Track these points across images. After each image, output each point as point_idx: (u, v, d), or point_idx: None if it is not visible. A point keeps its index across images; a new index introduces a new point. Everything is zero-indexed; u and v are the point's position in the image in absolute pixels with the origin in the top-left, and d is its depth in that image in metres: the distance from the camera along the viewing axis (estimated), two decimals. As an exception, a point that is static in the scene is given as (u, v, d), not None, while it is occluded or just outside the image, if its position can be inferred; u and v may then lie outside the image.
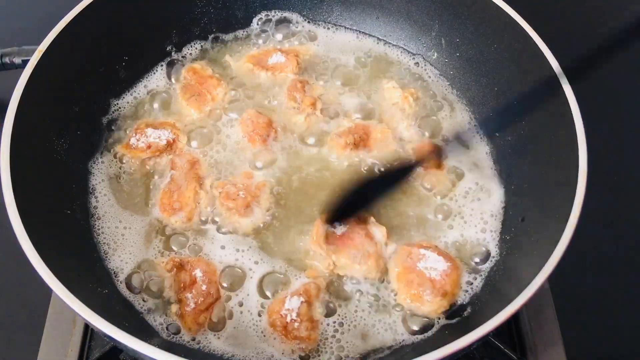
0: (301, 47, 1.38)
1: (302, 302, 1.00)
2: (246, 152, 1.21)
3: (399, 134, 1.25)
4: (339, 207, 1.06)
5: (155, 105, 1.29)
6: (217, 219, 1.13)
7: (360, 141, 1.21)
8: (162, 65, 1.34)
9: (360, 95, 1.31)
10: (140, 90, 1.30)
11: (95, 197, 1.15)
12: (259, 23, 1.43)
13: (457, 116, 1.30)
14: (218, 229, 1.12)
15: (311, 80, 1.32)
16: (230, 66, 1.34)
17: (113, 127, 1.24)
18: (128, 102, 1.28)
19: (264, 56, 1.34)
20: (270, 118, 1.24)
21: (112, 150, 1.21)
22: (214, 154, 1.21)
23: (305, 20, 1.44)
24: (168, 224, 1.12)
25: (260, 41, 1.41)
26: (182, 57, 1.37)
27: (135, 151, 1.20)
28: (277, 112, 1.27)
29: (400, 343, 1.02)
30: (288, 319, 0.99)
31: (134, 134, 1.21)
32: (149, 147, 1.19)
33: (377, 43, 1.42)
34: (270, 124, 1.23)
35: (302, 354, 0.99)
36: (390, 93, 1.29)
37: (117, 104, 1.27)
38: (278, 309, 1.01)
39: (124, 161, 1.20)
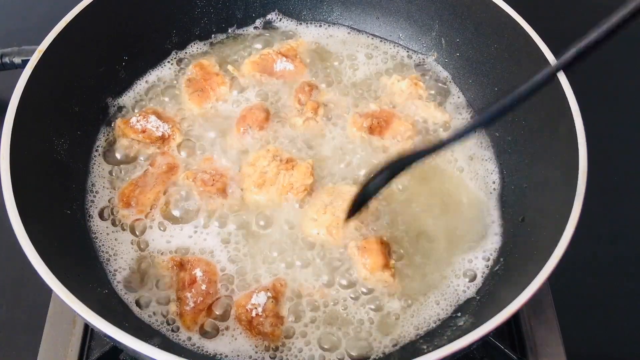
0: (297, 43, 1.38)
1: (268, 297, 1.01)
2: (228, 140, 1.23)
3: (430, 119, 1.27)
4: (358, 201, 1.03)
5: (157, 103, 1.29)
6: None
7: (377, 127, 1.22)
8: (162, 65, 1.34)
9: (369, 98, 1.31)
10: (140, 89, 1.30)
11: (96, 192, 1.16)
12: (259, 23, 1.43)
13: (457, 116, 1.30)
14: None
15: (321, 84, 1.32)
16: (236, 76, 1.33)
17: (113, 126, 1.24)
18: (128, 101, 1.28)
19: (267, 62, 1.33)
20: (269, 114, 1.25)
21: (108, 141, 1.23)
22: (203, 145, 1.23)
23: (305, 20, 1.44)
24: (118, 213, 1.13)
25: (260, 42, 1.41)
26: (182, 57, 1.37)
27: (130, 130, 1.20)
28: (279, 110, 1.28)
29: (401, 343, 1.02)
30: (253, 314, 1.00)
31: (137, 115, 1.22)
32: (143, 131, 1.20)
33: (375, 40, 1.42)
34: (267, 119, 1.23)
35: (266, 350, 0.99)
36: (396, 87, 1.30)
37: (117, 103, 1.27)
38: (244, 303, 1.01)
39: (116, 138, 1.22)
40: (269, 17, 1.43)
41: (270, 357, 0.99)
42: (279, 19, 1.43)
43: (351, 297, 1.05)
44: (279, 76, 1.32)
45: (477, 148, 1.25)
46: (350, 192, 1.13)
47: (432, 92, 1.33)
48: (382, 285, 1.06)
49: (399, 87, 1.29)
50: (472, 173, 1.21)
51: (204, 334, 1.01)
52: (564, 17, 1.74)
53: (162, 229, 1.12)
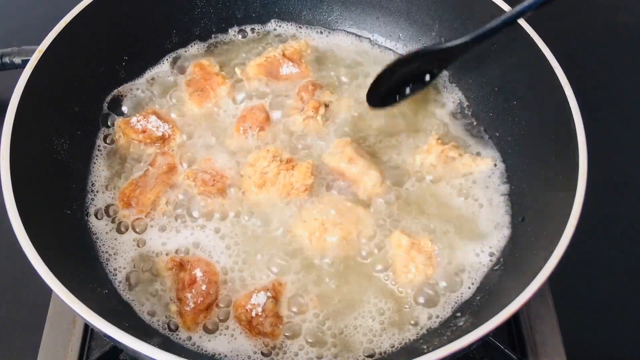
0: (300, 45, 1.37)
1: (268, 297, 1.01)
2: (227, 140, 1.23)
3: (475, 172, 1.21)
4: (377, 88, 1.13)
5: (157, 103, 1.29)
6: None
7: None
8: (162, 65, 1.34)
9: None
10: (140, 89, 1.30)
11: (96, 192, 1.15)
12: (259, 23, 1.43)
13: (457, 116, 1.30)
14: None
15: (325, 84, 1.31)
16: (243, 79, 1.32)
17: (113, 126, 1.24)
18: (128, 101, 1.28)
19: (272, 65, 1.32)
20: (270, 115, 1.25)
21: (111, 141, 1.23)
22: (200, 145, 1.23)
23: (305, 20, 1.44)
24: (118, 213, 1.13)
25: (261, 42, 1.41)
26: (183, 57, 1.36)
27: (130, 130, 1.21)
28: (280, 111, 1.27)
29: (401, 343, 1.02)
30: (253, 314, 1.00)
31: (137, 115, 1.23)
32: (144, 131, 1.20)
33: (374, 43, 1.42)
34: (267, 119, 1.24)
35: (265, 350, 0.99)
36: (427, 165, 1.22)
37: (117, 103, 1.27)
38: (244, 303, 1.01)
39: (117, 138, 1.22)
40: (268, 17, 1.43)
41: (268, 356, 0.99)
42: (279, 20, 1.43)
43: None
44: (284, 79, 1.32)
45: (477, 147, 1.25)
46: (351, 210, 1.12)
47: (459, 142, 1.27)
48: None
49: (430, 163, 1.19)
50: (477, 173, 1.21)
51: (203, 334, 1.01)
52: (565, 17, 1.74)
53: (162, 229, 1.12)
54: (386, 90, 1.22)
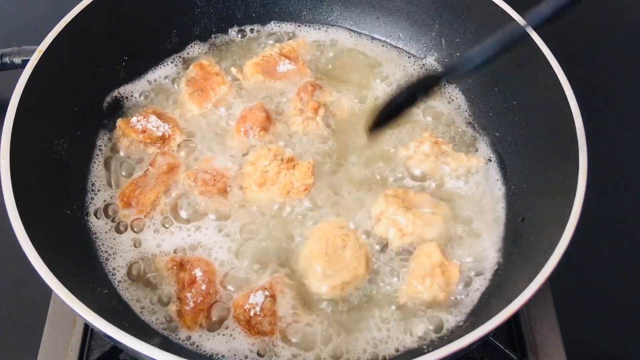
0: (298, 44, 1.37)
1: (266, 296, 1.01)
2: (227, 140, 1.23)
3: (471, 169, 1.21)
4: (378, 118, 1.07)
5: (157, 103, 1.29)
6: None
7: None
8: (162, 65, 1.34)
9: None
10: (140, 89, 1.30)
11: (96, 192, 1.16)
12: (259, 23, 1.43)
13: (456, 115, 1.30)
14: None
15: (325, 85, 1.31)
16: (239, 79, 1.32)
17: (113, 126, 1.24)
18: (128, 101, 1.28)
19: (269, 64, 1.32)
20: (270, 115, 1.25)
21: (111, 141, 1.23)
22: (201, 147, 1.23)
23: (305, 20, 1.44)
24: (118, 213, 1.13)
25: (261, 42, 1.41)
26: (182, 57, 1.37)
27: (130, 130, 1.21)
28: (280, 110, 1.28)
29: (401, 345, 1.02)
30: (251, 314, 1.00)
31: (137, 115, 1.23)
32: (144, 131, 1.21)
33: (375, 42, 1.42)
34: (267, 119, 1.23)
35: (262, 351, 0.99)
36: (419, 155, 1.21)
37: (117, 103, 1.27)
38: (242, 303, 1.01)
39: (117, 138, 1.22)
40: (268, 17, 1.43)
41: (264, 357, 0.99)
42: (279, 20, 1.43)
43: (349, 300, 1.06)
44: (281, 77, 1.32)
45: (477, 148, 1.25)
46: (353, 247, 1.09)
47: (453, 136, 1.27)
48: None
49: (422, 152, 1.19)
50: (472, 169, 1.21)
51: (203, 333, 1.01)
52: (565, 17, 1.74)
53: (162, 229, 1.12)
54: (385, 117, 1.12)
